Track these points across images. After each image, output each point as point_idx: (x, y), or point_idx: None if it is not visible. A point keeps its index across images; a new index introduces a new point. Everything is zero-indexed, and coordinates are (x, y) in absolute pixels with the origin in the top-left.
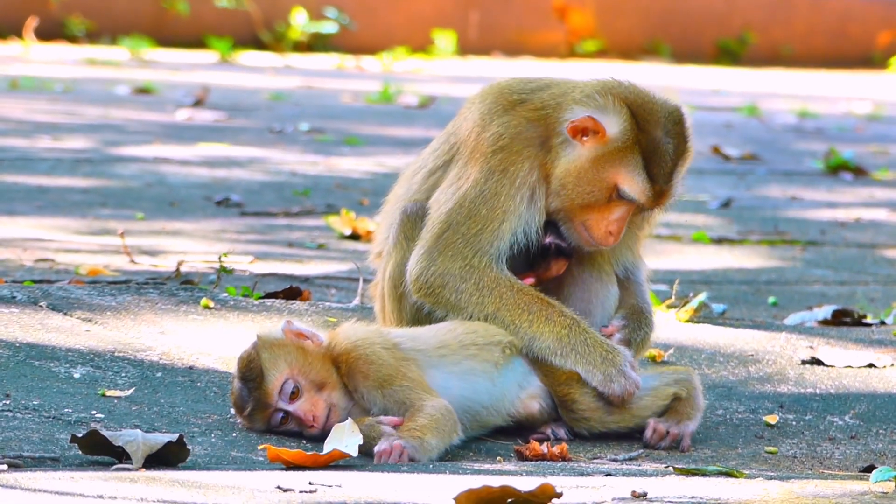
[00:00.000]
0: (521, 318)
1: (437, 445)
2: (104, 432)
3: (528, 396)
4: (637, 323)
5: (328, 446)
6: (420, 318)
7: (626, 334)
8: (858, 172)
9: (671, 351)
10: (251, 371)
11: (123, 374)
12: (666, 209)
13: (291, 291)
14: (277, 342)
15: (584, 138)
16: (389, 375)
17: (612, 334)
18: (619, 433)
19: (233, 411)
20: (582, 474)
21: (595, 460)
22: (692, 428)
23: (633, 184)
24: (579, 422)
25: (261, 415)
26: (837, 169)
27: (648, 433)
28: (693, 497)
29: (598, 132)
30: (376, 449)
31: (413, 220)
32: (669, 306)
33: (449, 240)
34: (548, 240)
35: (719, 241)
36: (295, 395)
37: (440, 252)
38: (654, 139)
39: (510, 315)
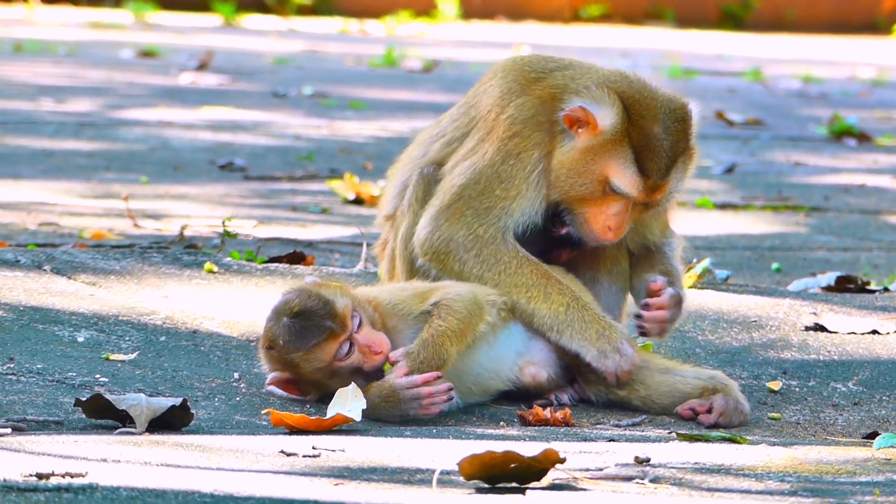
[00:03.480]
0: (519, 295)
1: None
2: (108, 396)
3: (528, 363)
4: (677, 279)
5: (331, 411)
6: (431, 280)
7: (676, 291)
8: (862, 138)
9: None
10: (316, 301)
11: (127, 338)
12: (665, 203)
13: (295, 256)
14: (325, 284)
15: (579, 130)
16: (419, 301)
17: (660, 290)
18: (628, 403)
19: (261, 360)
20: (585, 440)
21: (598, 426)
22: (728, 405)
23: (623, 177)
24: (590, 385)
25: (330, 346)
26: (841, 134)
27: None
28: (696, 463)
29: (589, 123)
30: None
31: (428, 182)
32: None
33: (458, 210)
34: (564, 230)
35: (723, 206)
36: (360, 326)
37: (447, 219)
38: (647, 133)
39: (508, 291)
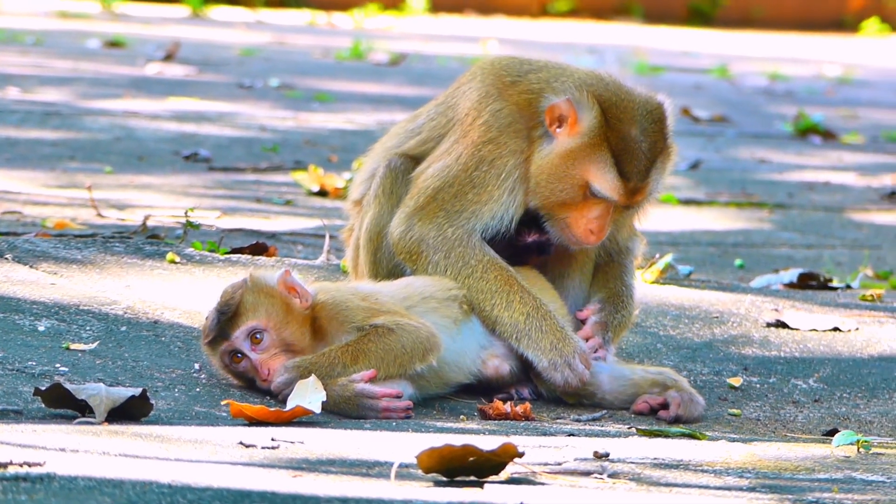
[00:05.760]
0: (483, 302)
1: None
2: (67, 386)
3: (491, 356)
4: (614, 306)
5: (291, 403)
6: (396, 270)
7: (603, 317)
8: (827, 136)
9: (636, 312)
10: (228, 307)
11: (88, 328)
12: (645, 205)
13: (258, 247)
14: (267, 289)
15: (559, 129)
16: (365, 316)
17: (588, 317)
18: (578, 400)
19: (203, 350)
20: (544, 434)
21: (558, 420)
22: (682, 398)
23: (603, 181)
24: (542, 383)
25: (214, 348)
26: (807, 132)
27: (636, 405)
28: (655, 458)
29: (569, 119)
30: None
31: (395, 175)
32: (636, 267)
33: (431, 210)
34: (530, 239)
35: (687, 202)
36: (258, 343)
37: (420, 219)
38: (625, 136)
39: (473, 297)
